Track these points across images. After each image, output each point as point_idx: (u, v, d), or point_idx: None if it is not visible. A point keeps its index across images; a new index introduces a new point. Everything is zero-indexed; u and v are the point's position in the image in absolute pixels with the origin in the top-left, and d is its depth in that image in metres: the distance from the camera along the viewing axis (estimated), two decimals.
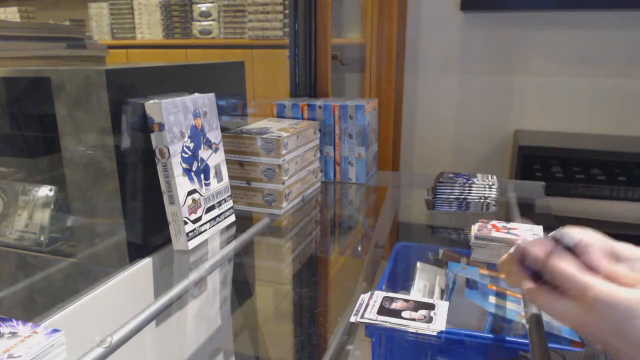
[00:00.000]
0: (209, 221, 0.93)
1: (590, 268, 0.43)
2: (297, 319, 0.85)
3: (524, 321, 0.69)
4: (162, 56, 3.12)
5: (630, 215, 1.88)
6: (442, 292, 0.92)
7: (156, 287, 0.85)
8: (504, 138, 2.34)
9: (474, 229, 0.93)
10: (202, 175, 0.92)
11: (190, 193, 0.88)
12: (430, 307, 0.71)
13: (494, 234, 0.90)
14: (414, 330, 0.67)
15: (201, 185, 0.92)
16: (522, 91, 2.27)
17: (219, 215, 0.97)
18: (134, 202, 0.86)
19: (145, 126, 0.84)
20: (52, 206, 0.97)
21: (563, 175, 2.01)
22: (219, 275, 0.90)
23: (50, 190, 0.98)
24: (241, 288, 0.95)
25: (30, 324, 0.52)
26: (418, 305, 0.71)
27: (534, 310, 0.68)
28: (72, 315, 0.70)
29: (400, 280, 0.99)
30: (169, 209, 0.86)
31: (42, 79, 0.86)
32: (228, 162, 1.06)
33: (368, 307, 0.71)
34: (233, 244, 0.96)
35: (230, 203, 1.01)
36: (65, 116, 0.83)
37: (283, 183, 1.09)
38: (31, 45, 1.21)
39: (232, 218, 1.02)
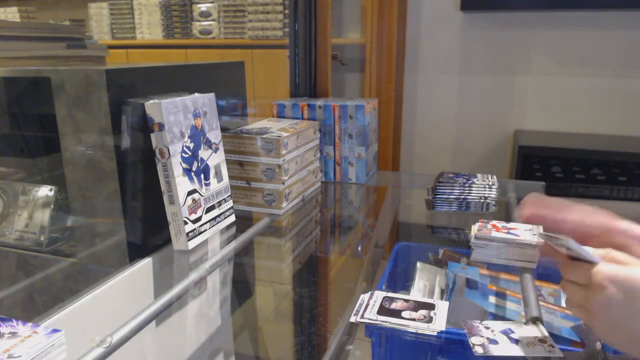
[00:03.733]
0: (209, 221, 0.93)
1: None
2: (297, 319, 0.85)
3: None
4: (162, 56, 3.12)
5: (630, 215, 1.88)
6: (442, 292, 0.92)
7: (156, 287, 0.85)
8: (504, 138, 2.34)
9: (474, 229, 0.92)
10: (202, 175, 0.92)
11: (190, 193, 0.88)
12: (430, 307, 0.71)
13: (494, 234, 0.89)
14: (414, 330, 0.67)
15: (201, 185, 0.92)
16: (522, 91, 2.27)
17: (219, 215, 0.97)
18: (134, 202, 0.86)
19: (145, 126, 0.84)
20: (52, 206, 0.97)
21: (563, 175, 2.00)
22: (219, 275, 0.90)
23: (50, 190, 0.98)
24: (241, 288, 0.95)
25: (30, 324, 0.52)
26: (418, 305, 0.71)
27: (534, 310, 0.69)
28: (72, 315, 0.70)
29: (400, 280, 0.99)
30: (169, 209, 0.86)
31: (42, 79, 0.86)
32: (228, 162, 1.06)
33: (368, 307, 0.71)
34: (233, 244, 0.96)
35: (230, 203, 1.01)
36: (65, 116, 0.83)
37: (283, 183, 1.09)
38: (31, 45, 1.21)
39: (232, 218, 1.02)
